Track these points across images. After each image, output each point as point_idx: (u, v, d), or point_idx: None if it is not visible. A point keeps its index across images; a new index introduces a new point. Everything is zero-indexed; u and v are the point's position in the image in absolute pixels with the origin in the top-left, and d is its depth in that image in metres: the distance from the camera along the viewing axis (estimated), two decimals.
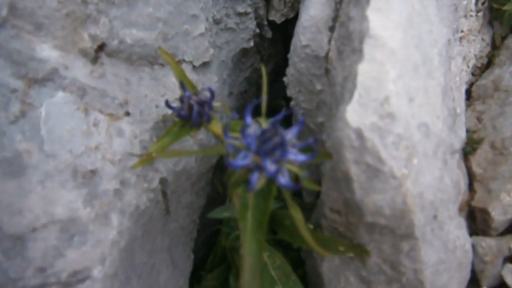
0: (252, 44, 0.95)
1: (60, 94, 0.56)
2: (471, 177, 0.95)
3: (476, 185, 0.94)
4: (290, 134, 0.54)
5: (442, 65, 0.74)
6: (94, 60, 0.59)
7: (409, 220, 0.62)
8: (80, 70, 0.57)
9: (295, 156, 0.53)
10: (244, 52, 0.96)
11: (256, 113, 0.55)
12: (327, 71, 0.75)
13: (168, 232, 0.83)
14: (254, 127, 0.54)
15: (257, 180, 0.51)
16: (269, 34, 1.02)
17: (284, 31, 1.09)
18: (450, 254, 0.74)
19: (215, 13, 0.82)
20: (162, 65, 0.69)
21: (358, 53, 0.58)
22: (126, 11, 0.61)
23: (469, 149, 0.98)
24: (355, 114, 0.55)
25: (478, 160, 0.96)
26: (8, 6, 0.50)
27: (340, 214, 0.74)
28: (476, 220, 0.89)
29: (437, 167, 0.69)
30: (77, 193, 0.55)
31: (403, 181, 0.59)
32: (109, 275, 0.58)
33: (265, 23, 0.99)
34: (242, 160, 0.51)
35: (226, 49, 0.89)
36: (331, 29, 0.74)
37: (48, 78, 0.55)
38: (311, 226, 0.86)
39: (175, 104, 0.60)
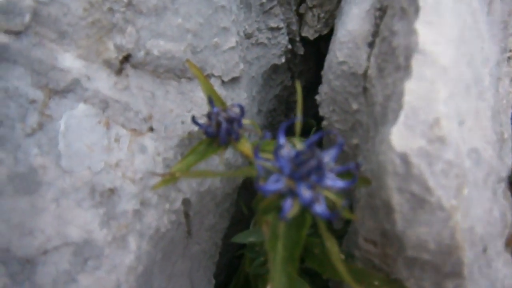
0: (283, 60, 0.91)
1: (81, 106, 0.52)
2: None
3: None
4: (327, 157, 0.49)
5: (493, 85, 0.68)
6: (119, 71, 0.56)
7: (457, 258, 0.56)
8: (103, 82, 0.54)
9: (333, 181, 0.47)
10: (275, 68, 0.92)
11: (287, 133, 0.50)
12: (365, 89, 0.69)
13: (189, 256, 0.78)
14: (288, 148, 0.49)
15: (290, 208, 0.45)
16: (301, 50, 0.97)
17: (316, 48, 1.04)
18: None
19: (247, 27, 0.79)
20: (190, 79, 0.65)
21: (403, 70, 0.52)
22: (154, 21, 0.58)
23: None
24: (401, 137, 0.49)
25: None
26: (31, 13, 0.47)
27: (376, 245, 0.67)
28: None
29: (487, 198, 0.63)
30: (93, 213, 0.51)
31: (452, 214, 0.53)
32: None
33: (298, 39, 0.95)
34: (274, 185, 0.46)
35: (257, 64, 0.85)
36: (370, 45, 0.68)
37: (69, 89, 0.51)
38: (342, 256, 0.79)
39: (202, 121, 0.56)
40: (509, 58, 0.89)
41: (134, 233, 0.55)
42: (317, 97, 0.83)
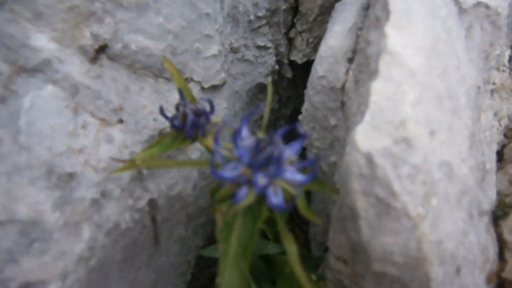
0: (269, 79, 0.91)
1: (50, 87, 0.52)
2: (501, 245, 0.85)
3: (508, 254, 0.83)
4: (290, 150, 0.47)
5: (471, 108, 0.68)
6: (93, 60, 0.56)
7: (424, 273, 0.53)
8: (76, 67, 0.54)
9: (292, 175, 0.46)
10: (261, 88, 0.93)
11: None
12: (342, 104, 0.69)
13: (154, 267, 0.74)
14: (250, 139, 0.48)
15: (245, 196, 0.44)
16: (289, 73, 0.98)
17: (306, 74, 1.06)
18: None
19: (233, 41, 0.80)
20: (168, 79, 0.65)
21: (373, 74, 0.52)
22: (134, 16, 0.59)
23: (499, 213, 0.88)
24: (366, 136, 0.48)
25: (510, 226, 0.86)
26: None
27: (346, 264, 0.64)
28: None
29: (460, 218, 0.60)
30: (47, 194, 0.49)
31: (419, 222, 0.51)
32: None
33: (286, 61, 0.96)
34: (230, 172, 0.45)
35: (242, 80, 0.86)
36: (350, 60, 0.69)
37: (39, 69, 0.51)
38: (314, 277, 0.76)
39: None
40: (492, 91, 0.89)
41: (90, 222, 0.53)
42: (300, 117, 0.82)
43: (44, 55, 0.52)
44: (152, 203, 0.65)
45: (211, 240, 0.97)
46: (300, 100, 1.11)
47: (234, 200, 0.43)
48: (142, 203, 0.62)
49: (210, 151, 0.54)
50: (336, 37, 0.70)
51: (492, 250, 0.79)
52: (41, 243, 0.48)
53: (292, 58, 0.98)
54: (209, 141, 0.54)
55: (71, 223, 0.51)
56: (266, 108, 0.50)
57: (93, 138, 0.55)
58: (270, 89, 0.53)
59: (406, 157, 0.49)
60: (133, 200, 0.60)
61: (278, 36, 0.91)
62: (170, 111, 0.66)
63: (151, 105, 0.63)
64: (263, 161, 0.44)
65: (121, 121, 0.59)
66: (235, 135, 0.45)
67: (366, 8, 0.75)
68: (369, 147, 0.48)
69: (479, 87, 0.76)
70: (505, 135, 1.02)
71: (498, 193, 0.90)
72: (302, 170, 0.47)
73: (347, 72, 0.68)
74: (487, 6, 0.70)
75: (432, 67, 0.54)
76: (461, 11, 0.66)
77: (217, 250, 0.78)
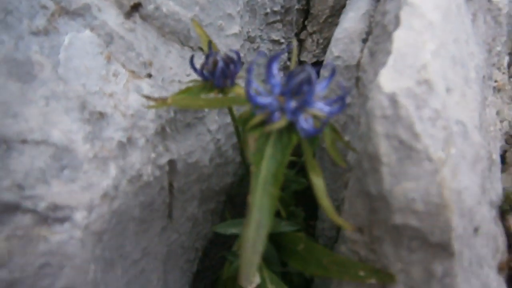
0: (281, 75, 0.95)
1: (88, 32, 0.55)
2: (510, 239, 0.85)
3: None
4: (319, 87, 0.50)
5: (479, 87, 0.71)
6: (128, 15, 0.60)
7: (445, 220, 0.54)
8: (112, 17, 0.57)
9: (321, 106, 0.48)
10: None
11: None
12: (357, 80, 0.72)
13: (166, 242, 0.74)
14: (281, 76, 0.50)
15: (278, 119, 0.45)
16: None
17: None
18: None
19: (250, 30, 0.84)
20: (192, 48, 0.69)
21: (393, 30, 0.56)
22: None
23: (506, 208, 0.89)
24: (390, 78, 0.51)
25: None
26: None
27: (363, 232, 0.65)
28: None
29: (476, 182, 0.62)
30: (80, 126, 0.50)
31: (440, 166, 0.52)
32: (93, 233, 0.50)
33: (296, 60, 1.01)
34: (264, 98, 0.47)
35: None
36: (364, 41, 0.73)
37: (79, 13, 0.54)
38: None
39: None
40: (494, 88, 0.93)
41: (116, 162, 0.54)
42: None
43: (85, 0, 0.55)
44: (171, 164, 0.66)
45: (217, 237, 0.96)
46: None
47: (268, 121, 0.44)
48: (163, 160, 0.63)
49: (239, 99, 0.56)
50: (351, 21, 0.75)
51: (501, 241, 0.80)
52: (71, 171, 0.48)
53: (302, 59, 1.02)
54: (238, 89, 0.56)
55: (100, 158, 0.52)
56: (294, 54, 0.53)
57: (122, 86, 0.57)
58: (294, 41, 0.56)
59: (428, 99, 0.51)
60: (155, 155, 0.61)
61: (290, 34, 0.96)
62: (193, 76, 0.68)
63: (177, 68, 0.65)
64: (296, 88, 0.46)
65: (149, 75, 0.61)
66: (268, 67, 0.48)
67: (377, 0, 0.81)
68: (393, 87, 0.50)
69: (484, 77, 0.80)
70: (506, 141, 1.06)
71: (504, 189, 0.92)
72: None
73: (361, 50, 0.72)
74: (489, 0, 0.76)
75: (447, 30, 0.58)
76: None
77: (228, 228, 0.77)
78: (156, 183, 0.63)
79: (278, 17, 0.91)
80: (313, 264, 0.70)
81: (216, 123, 0.73)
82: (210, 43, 0.57)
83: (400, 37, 0.52)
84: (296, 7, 0.95)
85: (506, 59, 0.97)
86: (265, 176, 0.45)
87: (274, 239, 0.79)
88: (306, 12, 1.00)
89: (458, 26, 0.62)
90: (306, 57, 1.02)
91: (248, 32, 0.84)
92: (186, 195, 0.74)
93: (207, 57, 0.56)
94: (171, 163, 0.65)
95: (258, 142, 0.46)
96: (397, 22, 0.54)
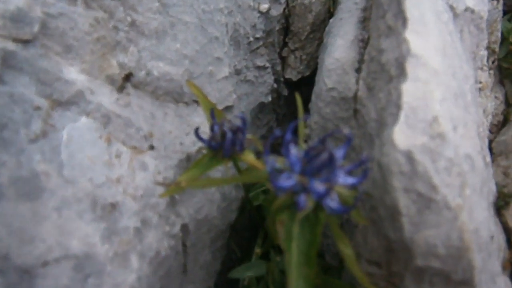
0: (270, 98, 0.93)
1: (84, 119, 0.52)
2: (508, 233, 0.89)
3: None
4: (337, 155, 0.49)
5: (475, 104, 0.72)
6: (121, 88, 0.56)
7: (468, 261, 0.55)
8: (106, 97, 0.54)
9: (344, 178, 0.47)
10: (262, 107, 0.94)
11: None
12: (355, 112, 0.72)
13: None
14: (296, 148, 0.49)
15: (305, 202, 0.45)
16: (285, 91, 1.01)
17: (299, 93, 1.09)
18: None
19: (236, 63, 0.82)
20: (187, 104, 0.66)
21: (397, 78, 0.55)
22: (154, 43, 0.60)
23: (501, 204, 0.92)
24: (404, 135, 0.51)
25: None
26: (40, 24, 0.48)
27: (380, 266, 0.66)
28: None
29: (485, 207, 0.64)
30: (95, 226, 0.48)
31: (458, 213, 0.53)
32: None
33: (282, 79, 0.99)
34: (286, 181, 0.46)
35: (246, 101, 0.88)
36: (357, 70, 0.72)
37: (73, 102, 0.51)
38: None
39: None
40: (479, 89, 0.95)
41: (135, 252, 0.52)
42: (306, 130, 0.84)
43: (77, 87, 0.51)
44: (184, 228, 0.64)
45: (225, 264, 0.96)
46: (293, 118, 1.14)
47: (298, 207, 0.44)
48: (177, 229, 0.62)
49: (251, 166, 0.55)
50: (341, 50, 0.74)
51: (501, 238, 0.83)
52: (95, 278, 0.47)
53: (286, 76, 1.01)
54: (247, 156, 0.55)
55: (120, 254, 0.50)
56: (300, 115, 0.52)
57: (127, 167, 0.55)
58: (299, 100, 0.55)
59: (442, 151, 0.52)
60: (169, 227, 0.59)
61: (273, 55, 0.94)
62: (192, 135, 0.66)
63: (176, 130, 0.63)
64: (317, 168, 0.45)
65: (151, 147, 0.58)
66: (285, 145, 0.47)
67: (363, 21, 0.79)
68: (408, 145, 0.50)
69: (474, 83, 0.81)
70: (490, 131, 1.09)
71: (496, 185, 0.95)
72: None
73: (357, 81, 0.71)
74: (472, 11, 0.76)
75: (446, 67, 0.58)
76: (455, 16, 0.71)
77: (244, 272, 0.77)
78: (172, 252, 0.62)
79: (261, 42, 0.89)
80: None
81: (219, 172, 0.71)
82: (212, 111, 0.55)
83: (409, 91, 0.51)
84: (277, 28, 0.92)
85: (485, 55, 0.98)
86: (297, 258, 0.45)
87: None
88: (285, 30, 0.98)
89: (453, 56, 0.62)
90: (291, 73, 1.01)
91: (235, 65, 0.82)
92: (197, 248, 0.73)
93: (212, 128, 0.54)
94: (184, 227, 0.64)
95: (286, 225, 0.46)
96: (402, 73, 0.53)
